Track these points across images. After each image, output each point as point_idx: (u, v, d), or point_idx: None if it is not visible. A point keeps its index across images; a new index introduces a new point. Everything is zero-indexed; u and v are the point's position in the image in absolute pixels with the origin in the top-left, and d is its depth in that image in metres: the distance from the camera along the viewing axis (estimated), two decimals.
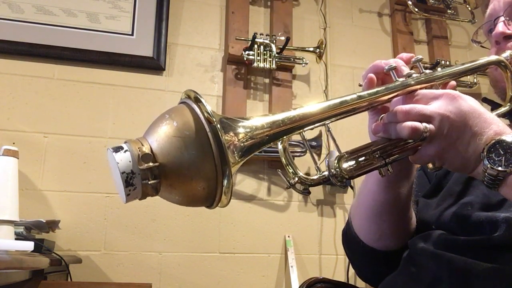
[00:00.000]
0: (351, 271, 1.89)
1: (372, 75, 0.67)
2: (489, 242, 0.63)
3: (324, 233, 1.94)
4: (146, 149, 0.48)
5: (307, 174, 0.62)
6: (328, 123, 0.60)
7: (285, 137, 0.56)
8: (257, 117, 0.53)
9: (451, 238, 0.69)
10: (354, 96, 0.60)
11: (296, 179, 0.59)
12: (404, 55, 0.71)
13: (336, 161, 0.59)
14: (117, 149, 0.48)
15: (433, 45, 2.30)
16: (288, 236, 1.87)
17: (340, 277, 1.89)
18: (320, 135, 1.85)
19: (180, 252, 1.76)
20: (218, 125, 0.47)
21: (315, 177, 0.60)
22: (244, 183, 1.90)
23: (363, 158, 0.60)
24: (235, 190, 1.88)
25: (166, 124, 0.49)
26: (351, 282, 1.83)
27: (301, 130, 0.57)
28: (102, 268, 1.67)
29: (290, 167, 0.61)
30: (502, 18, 0.78)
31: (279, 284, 1.84)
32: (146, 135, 0.50)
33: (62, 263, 1.38)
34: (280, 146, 0.61)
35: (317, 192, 1.98)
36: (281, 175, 0.61)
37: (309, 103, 0.58)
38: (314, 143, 1.73)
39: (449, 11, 2.28)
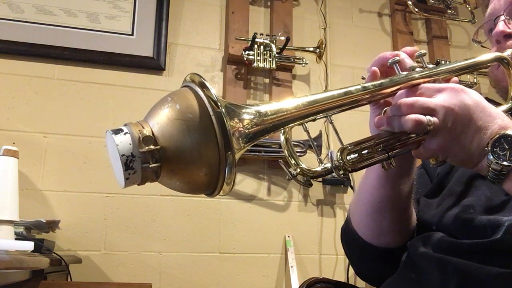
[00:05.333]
0: (351, 271, 1.89)
1: (375, 68, 0.67)
2: (493, 246, 0.62)
3: (324, 233, 1.94)
4: (147, 132, 0.46)
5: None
6: (331, 114, 0.58)
7: (288, 126, 0.55)
8: (262, 104, 0.52)
9: (452, 241, 0.68)
10: (359, 87, 0.60)
11: (298, 170, 0.58)
12: (408, 48, 0.70)
13: (338, 153, 0.58)
14: (117, 131, 0.46)
15: (433, 45, 2.30)
16: (288, 236, 1.87)
17: (340, 277, 1.89)
18: (320, 135, 1.85)
19: (180, 252, 1.76)
20: (223, 109, 0.45)
21: (317, 168, 0.59)
22: (244, 183, 1.90)
23: (366, 151, 0.59)
24: (235, 190, 1.88)
25: (168, 107, 0.47)
26: (351, 282, 1.84)
27: (305, 120, 0.56)
28: (102, 268, 1.66)
29: (292, 158, 0.59)
30: (502, 17, 0.78)
31: (279, 284, 1.84)
32: (147, 118, 0.48)
33: (62, 263, 1.38)
34: (282, 137, 0.60)
35: (317, 192, 1.98)
36: (283, 166, 0.59)
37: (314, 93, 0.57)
38: (313, 143, 1.73)
39: (449, 11, 2.28)
